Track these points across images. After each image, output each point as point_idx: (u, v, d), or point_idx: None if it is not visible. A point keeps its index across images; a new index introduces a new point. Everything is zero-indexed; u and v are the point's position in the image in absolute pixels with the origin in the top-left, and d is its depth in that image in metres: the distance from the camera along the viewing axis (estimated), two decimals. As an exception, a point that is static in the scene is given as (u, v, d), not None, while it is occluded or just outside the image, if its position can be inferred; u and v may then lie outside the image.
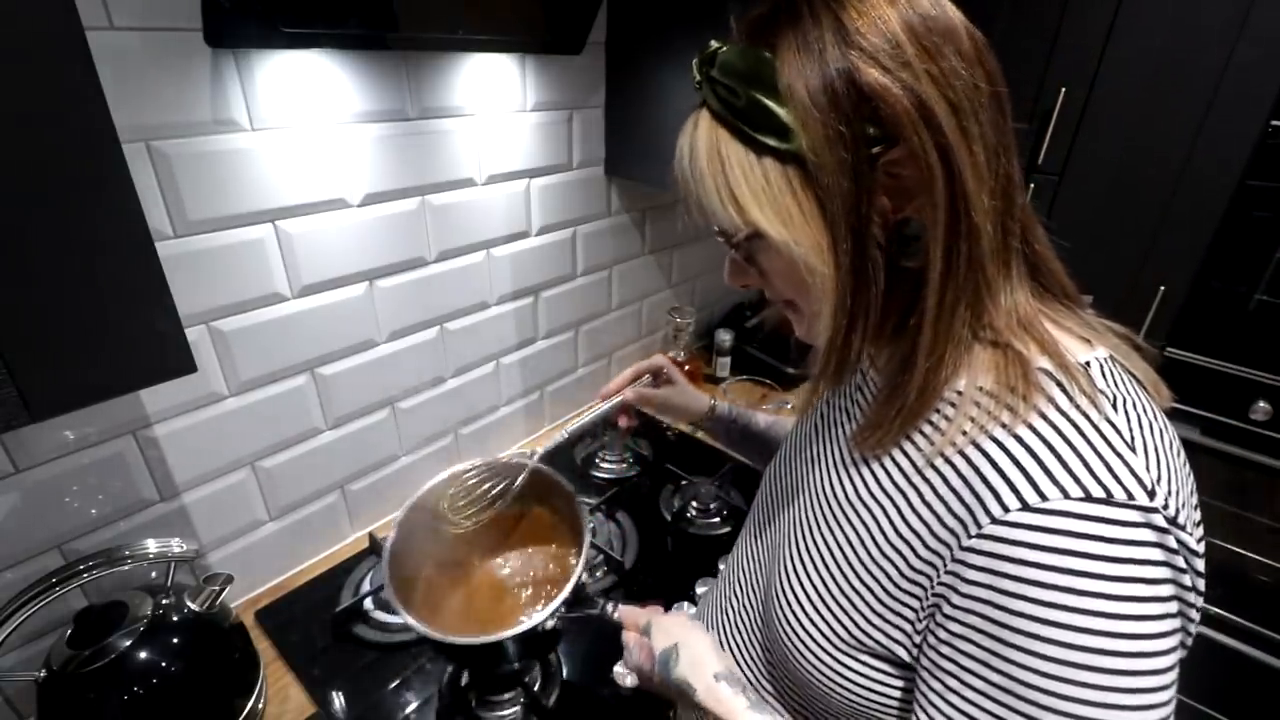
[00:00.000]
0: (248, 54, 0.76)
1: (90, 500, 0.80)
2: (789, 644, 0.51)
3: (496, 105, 1.05)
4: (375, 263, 0.98)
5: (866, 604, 0.46)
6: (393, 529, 0.75)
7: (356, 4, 0.77)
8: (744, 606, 0.61)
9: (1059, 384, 0.40)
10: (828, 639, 0.48)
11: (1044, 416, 0.39)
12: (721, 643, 0.63)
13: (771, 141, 0.40)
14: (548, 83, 1.11)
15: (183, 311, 0.58)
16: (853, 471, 0.50)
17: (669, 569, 1.06)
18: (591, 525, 0.79)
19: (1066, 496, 0.36)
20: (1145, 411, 0.41)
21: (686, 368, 1.54)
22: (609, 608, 0.68)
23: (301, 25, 0.75)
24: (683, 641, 0.58)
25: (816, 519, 0.52)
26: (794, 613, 0.51)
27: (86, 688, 0.69)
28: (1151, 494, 0.36)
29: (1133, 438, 0.39)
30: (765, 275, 0.47)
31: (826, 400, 0.62)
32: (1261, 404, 1.21)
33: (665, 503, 1.21)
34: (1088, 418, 0.39)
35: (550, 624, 0.67)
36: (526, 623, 0.67)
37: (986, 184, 0.39)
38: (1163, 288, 1.22)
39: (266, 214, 0.84)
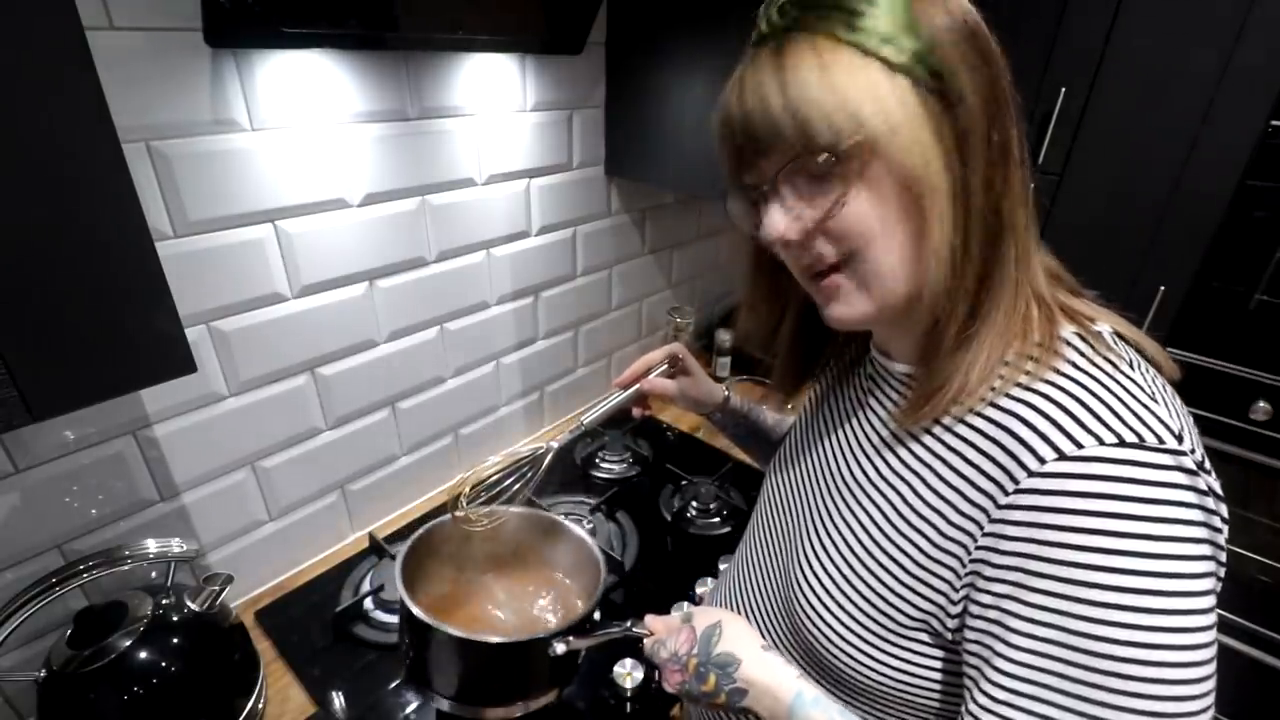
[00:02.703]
0: (248, 54, 0.76)
1: (90, 500, 0.80)
2: (816, 631, 0.51)
3: (496, 105, 1.05)
4: (375, 263, 0.98)
5: (896, 579, 0.46)
6: (399, 560, 0.72)
7: (356, 4, 0.77)
8: (762, 601, 0.61)
9: (1075, 347, 0.42)
10: (857, 620, 0.48)
11: (1065, 374, 0.41)
12: None
13: (888, 52, 0.39)
14: (548, 83, 1.11)
15: (183, 311, 0.58)
16: (874, 455, 0.51)
17: (669, 569, 1.06)
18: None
19: (1101, 443, 0.37)
20: (1156, 376, 0.43)
21: (686, 368, 1.54)
22: (629, 624, 0.66)
23: (301, 25, 0.75)
24: (725, 619, 0.58)
25: (836, 503, 0.53)
26: (819, 598, 0.51)
27: (86, 688, 0.69)
28: (1180, 439, 0.37)
29: (1152, 391, 0.40)
30: (845, 204, 0.42)
31: (833, 390, 0.62)
32: (1261, 404, 1.21)
33: (665, 503, 1.21)
34: (1106, 373, 0.40)
35: (561, 649, 0.65)
36: (526, 635, 0.65)
37: (1022, 144, 0.42)
38: (1163, 288, 1.22)
39: (266, 214, 0.84)
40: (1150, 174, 1.20)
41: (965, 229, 0.41)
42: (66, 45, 0.46)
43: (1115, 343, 0.44)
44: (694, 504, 1.20)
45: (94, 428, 0.78)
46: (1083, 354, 0.42)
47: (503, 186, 1.12)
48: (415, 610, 0.64)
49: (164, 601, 0.76)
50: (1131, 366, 0.42)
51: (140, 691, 0.70)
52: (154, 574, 0.84)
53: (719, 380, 1.58)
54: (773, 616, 0.59)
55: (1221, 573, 0.38)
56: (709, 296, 1.77)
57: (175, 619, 0.76)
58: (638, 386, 0.81)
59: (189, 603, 0.77)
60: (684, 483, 1.25)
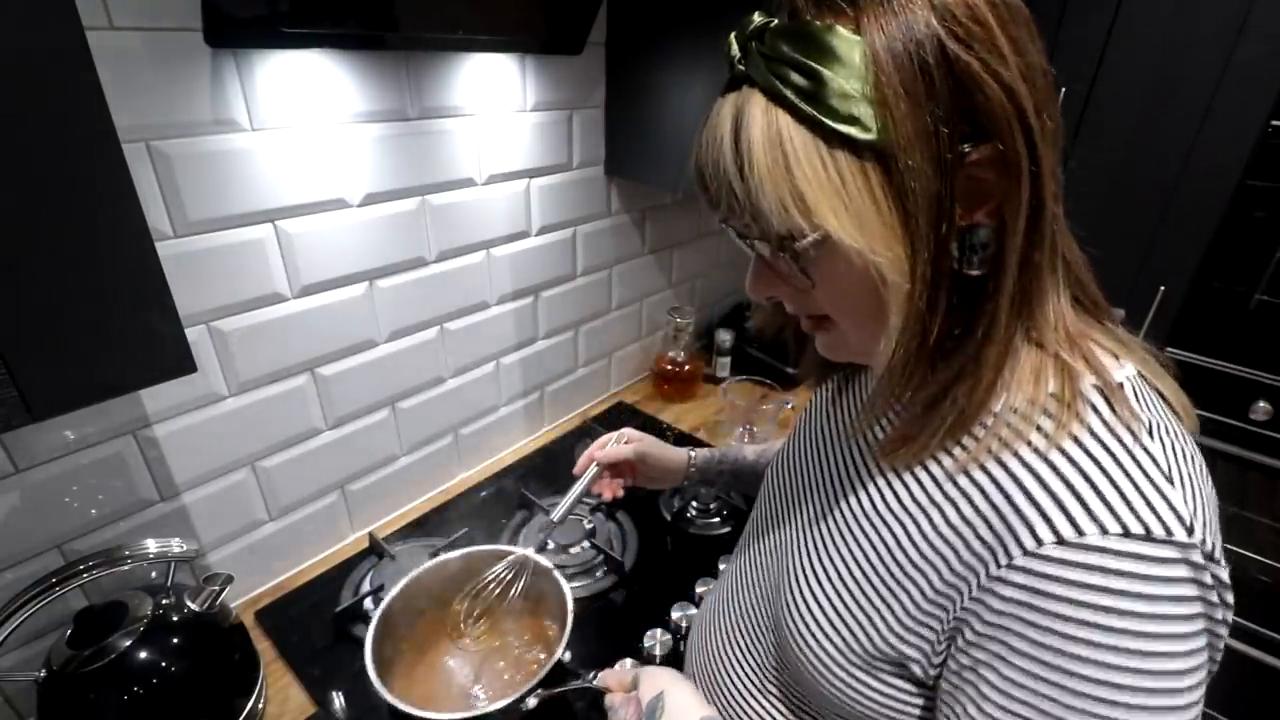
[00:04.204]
0: (248, 54, 0.76)
1: (90, 500, 0.80)
2: (802, 654, 0.50)
3: (496, 105, 1.05)
4: (375, 263, 0.98)
5: (885, 620, 0.44)
6: (379, 609, 0.76)
7: (356, 4, 0.77)
8: (751, 613, 0.60)
9: (1095, 407, 0.39)
10: (842, 652, 0.47)
11: (1078, 441, 0.38)
12: (728, 650, 0.62)
13: (851, 131, 0.34)
14: (548, 83, 1.11)
15: (183, 311, 0.58)
16: (876, 481, 0.48)
17: (669, 569, 1.06)
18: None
19: (1104, 532, 0.34)
20: (1177, 436, 0.40)
21: (687, 367, 1.54)
22: (590, 677, 0.69)
23: (301, 25, 0.75)
24: (668, 689, 0.58)
25: (833, 528, 0.51)
26: (808, 623, 0.49)
27: (86, 688, 0.69)
28: (1190, 530, 0.35)
29: (1170, 468, 0.37)
30: (813, 287, 0.42)
31: (833, 401, 0.60)
32: (1261, 404, 1.21)
33: (665, 503, 1.21)
34: (1124, 445, 0.37)
35: (532, 703, 0.68)
36: (502, 702, 0.67)
37: (1053, 184, 0.37)
38: (1163, 288, 1.22)
39: (266, 214, 0.84)
40: (1150, 173, 1.20)
41: (933, 306, 0.37)
42: (66, 45, 0.46)
43: (1138, 396, 0.40)
44: (694, 504, 1.20)
45: (94, 428, 0.78)
46: (1102, 418, 0.38)
47: (503, 186, 1.12)
48: (388, 697, 0.66)
49: (164, 601, 0.76)
50: (1151, 433, 0.38)
51: (140, 691, 0.70)
52: (154, 574, 0.84)
53: (719, 381, 1.58)
54: (760, 628, 0.58)
55: (1219, 656, 0.37)
56: (709, 296, 1.77)
57: (175, 619, 0.76)
58: (594, 462, 0.81)
59: (189, 603, 0.77)
60: (684, 482, 1.25)
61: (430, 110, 0.97)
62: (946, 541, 0.41)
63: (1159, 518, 0.34)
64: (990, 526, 0.39)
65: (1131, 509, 0.35)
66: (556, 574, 0.80)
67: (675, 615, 0.93)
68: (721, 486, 0.91)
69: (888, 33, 0.34)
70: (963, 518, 0.41)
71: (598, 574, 1.04)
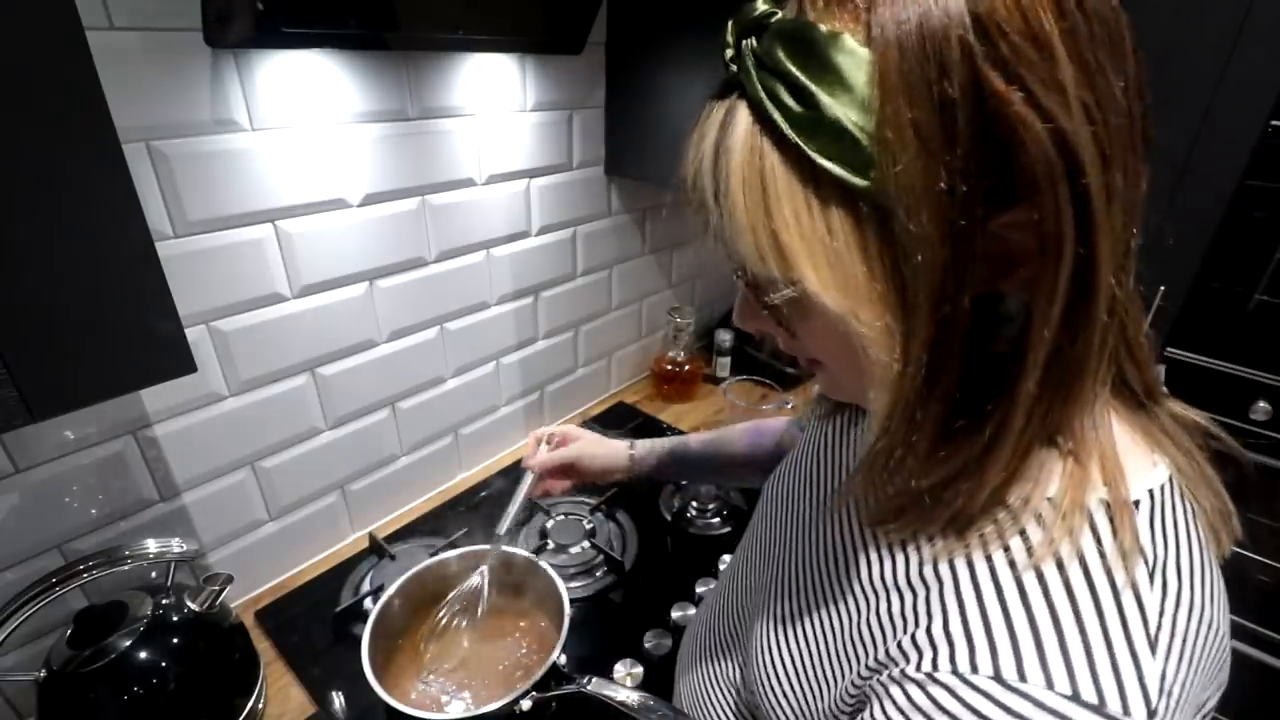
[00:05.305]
0: (248, 54, 0.76)
1: (90, 500, 0.80)
2: (765, 699, 0.48)
3: (496, 105, 1.05)
4: (375, 263, 0.98)
5: (833, 693, 0.41)
6: (375, 607, 0.75)
7: (356, 4, 0.77)
8: (730, 640, 0.58)
9: (1095, 529, 0.33)
10: (797, 710, 0.45)
11: (1061, 568, 0.32)
12: (709, 666, 0.61)
13: (845, 174, 0.28)
14: (548, 83, 1.11)
15: (183, 311, 0.58)
16: (864, 547, 0.44)
17: (669, 569, 1.06)
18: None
19: (1049, 687, 0.29)
20: (1187, 578, 0.33)
21: (687, 367, 1.54)
22: (585, 681, 0.69)
23: (302, 25, 0.74)
24: None
25: (813, 585, 0.47)
26: (771, 675, 0.48)
27: (86, 688, 0.69)
28: (1152, 713, 0.28)
29: (1158, 630, 0.30)
30: (793, 337, 0.37)
31: (834, 428, 0.56)
32: (1261, 404, 1.21)
33: (665, 503, 1.21)
34: (1113, 588, 0.31)
35: (526, 705, 0.68)
36: (497, 703, 0.67)
37: (1115, 259, 0.29)
38: (1162, 288, 1.22)
39: (266, 214, 0.84)
40: (1150, 173, 1.20)
41: (928, 393, 0.31)
42: (66, 45, 0.46)
43: (1155, 519, 0.34)
44: (694, 504, 1.20)
45: (94, 428, 0.78)
46: (1100, 546, 0.32)
47: (503, 186, 1.12)
48: (385, 697, 0.66)
49: (164, 601, 0.76)
50: (1154, 575, 0.32)
51: (140, 691, 0.70)
52: (154, 574, 0.84)
53: (719, 381, 1.58)
54: (732, 656, 0.57)
55: None
56: (709, 296, 1.77)
57: (175, 619, 0.76)
58: (529, 472, 0.80)
59: (189, 603, 0.77)
60: (684, 482, 1.25)
61: (430, 110, 0.97)
62: (894, 626, 0.37)
63: (1120, 690, 0.28)
64: (930, 625, 0.34)
65: (1092, 672, 0.29)
66: (554, 575, 0.79)
67: (675, 615, 0.93)
68: (675, 476, 0.88)
69: (904, 46, 0.26)
70: (914, 611, 0.36)
71: (597, 574, 1.04)
